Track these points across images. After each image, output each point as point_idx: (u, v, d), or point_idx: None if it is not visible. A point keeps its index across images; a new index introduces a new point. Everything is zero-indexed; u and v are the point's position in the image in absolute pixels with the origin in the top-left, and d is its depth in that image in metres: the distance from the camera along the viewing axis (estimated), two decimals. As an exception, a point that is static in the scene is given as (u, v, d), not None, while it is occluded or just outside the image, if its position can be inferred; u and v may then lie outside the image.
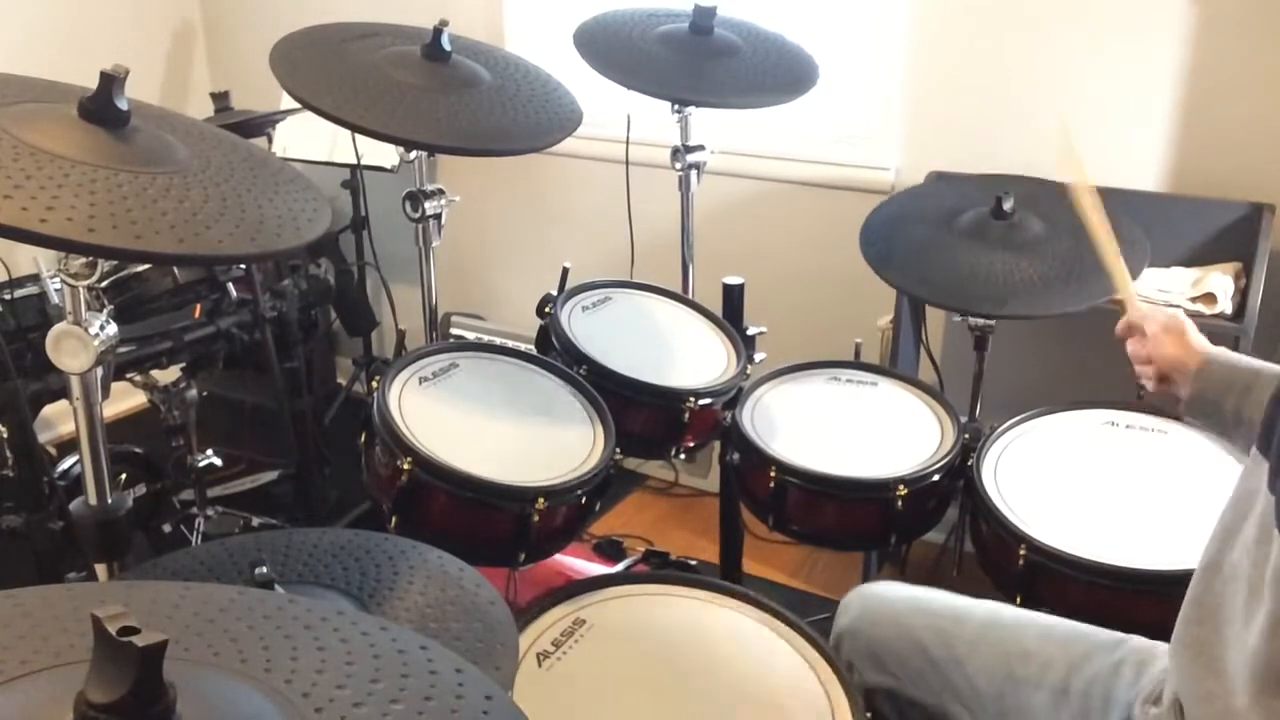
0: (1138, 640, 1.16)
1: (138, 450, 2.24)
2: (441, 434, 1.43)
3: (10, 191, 0.92)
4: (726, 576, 2.04)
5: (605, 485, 1.52)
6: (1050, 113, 2.27)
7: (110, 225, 0.93)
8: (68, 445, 2.21)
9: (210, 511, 2.34)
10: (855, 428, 1.74)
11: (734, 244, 2.63)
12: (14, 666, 0.61)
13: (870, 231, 1.81)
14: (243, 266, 2.24)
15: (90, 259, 1.08)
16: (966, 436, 1.66)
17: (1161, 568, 1.30)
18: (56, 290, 1.95)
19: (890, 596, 1.31)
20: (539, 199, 3.01)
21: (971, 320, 1.77)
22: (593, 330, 1.76)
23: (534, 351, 1.74)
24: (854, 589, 1.35)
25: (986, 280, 1.67)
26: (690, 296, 2.06)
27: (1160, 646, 1.11)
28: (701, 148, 2.08)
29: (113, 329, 1.12)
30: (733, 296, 1.97)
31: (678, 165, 2.08)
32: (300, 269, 2.53)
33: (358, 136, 2.31)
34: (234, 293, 2.27)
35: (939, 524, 1.68)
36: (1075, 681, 1.14)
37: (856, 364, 1.87)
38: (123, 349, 1.94)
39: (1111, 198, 1.70)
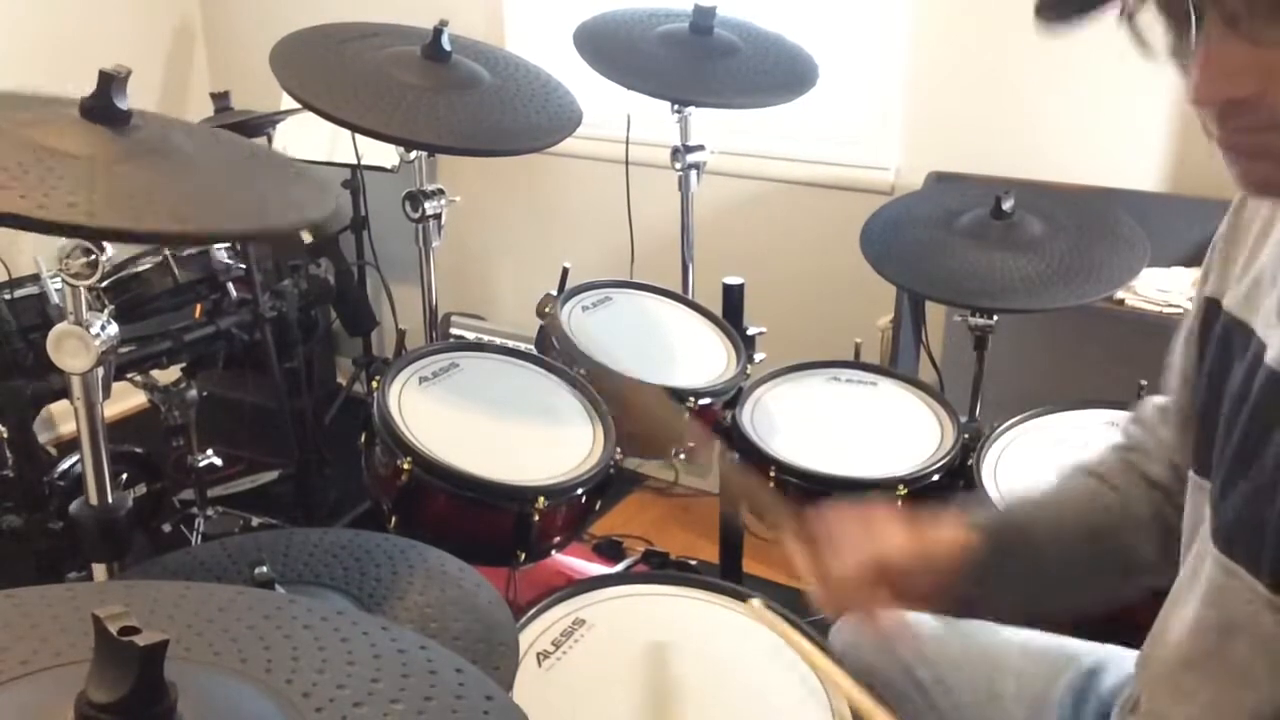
0: (1114, 647, 1.16)
1: (138, 450, 2.24)
2: (441, 434, 1.43)
3: (8, 182, 0.92)
4: (726, 576, 2.04)
5: (605, 485, 1.52)
6: (1052, 113, 2.27)
7: (110, 208, 0.93)
8: (68, 445, 2.21)
9: (210, 511, 2.34)
10: (855, 428, 1.74)
11: (734, 244, 2.63)
12: (14, 666, 0.61)
13: (870, 234, 1.81)
14: (242, 266, 2.24)
15: (91, 258, 1.08)
16: (966, 436, 1.66)
17: (1161, 568, 1.30)
18: (57, 290, 1.95)
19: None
20: (539, 199, 3.01)
21: (971, 320, 1.77)
22: (593, 330, 1.76)
23: (534, 351, 1.74)
24: (842, 617, 1.35)
25: (985, 277, 1.67)
26: (690, 296, 2.06)
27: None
28: (701, 148, 2.08)
29: (113, 329, 1.12)
30: (733, 296, 1.97)
31: (678, 165, 2.08)
32: (300, 269, 2.53)
33: (358, 136, 2.31)
34: (234, 293, 2.27)
35: (939, 524, 1.67)
36: (1052, 691, 1.14)
37: (856, 364, 1.87)
38: (123, 349, 1.93)
39: (1112, 198, 1.70)
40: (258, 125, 2.38)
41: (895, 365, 2.21)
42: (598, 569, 2.22)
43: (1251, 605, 0.78)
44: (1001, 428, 1.65)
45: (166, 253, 2.12)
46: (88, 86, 1.06)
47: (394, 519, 1.40)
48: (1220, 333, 0.86)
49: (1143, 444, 1.03)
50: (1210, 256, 0.90)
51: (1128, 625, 1.19)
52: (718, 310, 1.95)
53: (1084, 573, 1.01)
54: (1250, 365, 0.80)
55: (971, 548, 0.98)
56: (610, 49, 1.93)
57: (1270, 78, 0.64)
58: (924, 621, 1.28)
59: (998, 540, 0.99)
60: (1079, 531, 1.00)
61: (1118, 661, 1.14)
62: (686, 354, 1.83)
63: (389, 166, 2.76)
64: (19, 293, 2.04)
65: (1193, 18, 0.66)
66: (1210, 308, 0.88)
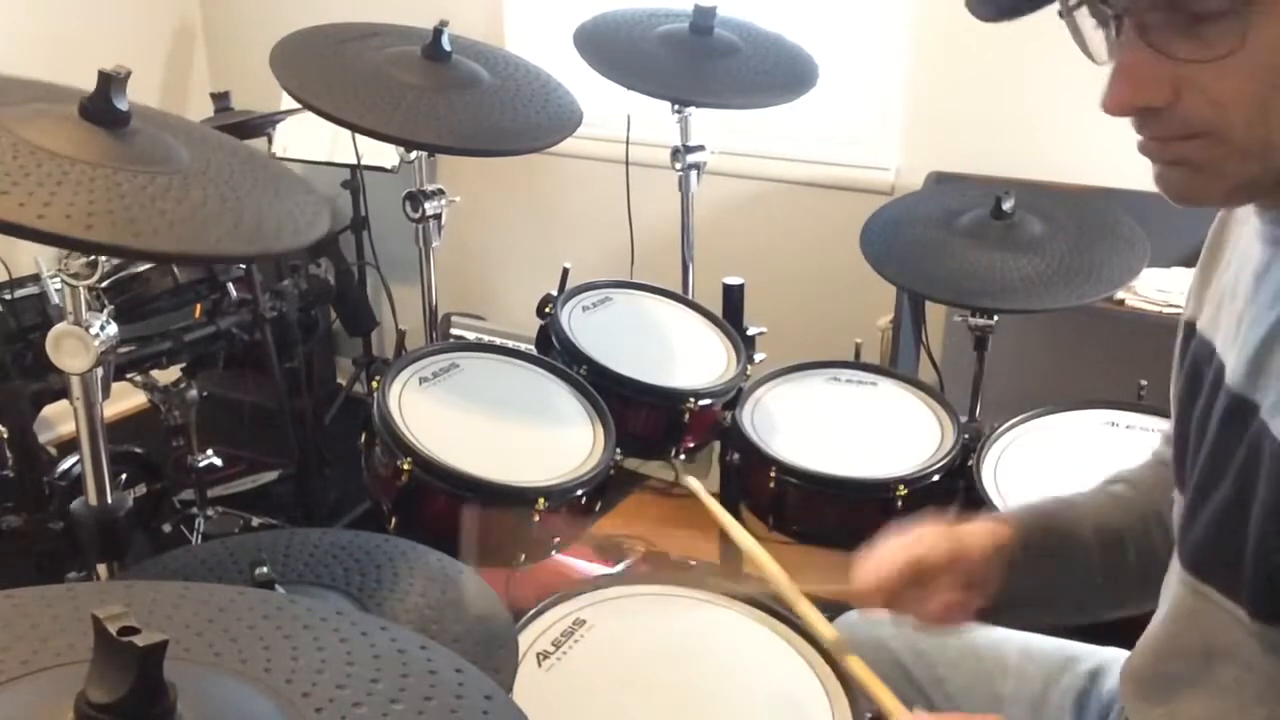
0: (1112, 650, 1.16)
1: (138, 450, 2.24)
2: (441, 434, 1.43)
3: (8, 187, 0.92)
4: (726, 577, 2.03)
5: (605, 485, 1.52)
6: (1052, 113, 2.27)
7: (109, 223, 0.93)
8: (68, 445, 2.21)
9: (210, 511, 2.34)
10: (855, 428, 1.74)
11: (734, 244, 2.63)
12: (14, 666, 0.61)
13: (870, 234, 1.81)
14: (242, 266, 2.24)
15: (90, 259, 1.08)
16: (966, 436, 1.66)
17: (1161, 568, 1.30)
18: (57, 290, 1.95)
19: (873, 619, 1.30)
20: (539, 199, 3.01)
21: (971, 320, 1.77)
22: (593, 330, 1.76)
23: (534, 351, 1.74)
24: (840, 616, 1.34)
25: (985, 277, 1.67)
26: (690, 296, 2.06)
27: None
28: (701, 148, 2.08)
29: (113, 329, 1.12)
30: (733, 296, 1.97)
31: (678, 165, 2.08)
32: (300, 269, 2.53)
33: (358, 136, 2.32)
34: (234, 293, 2.27)
35: (939, 524, 1.67)
36: (1052, 694, 1.14)
37: (856, 364, 1.87)
38: (123, 349, 1.94)
39: (1112, 198, 1.70)
40: (258, 125, 2.39)
41: (895, 365, 2.21)
42: (598, 569, 2.22)
43: (1233, 631, 0.77)
44: (1001, 428, 1.65)
45: (166, 253, 2.12)
46: (88, 86, 1.06)
47: (394, 519, 1.40)
48: (1192, 353, 0.86)
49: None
50: (1191, 283, 0.92)
51: (1127, 628, 1.19)
52: (718, 310, 1.95)
53: (1108, 574, 1.00)
54: (1213, 384, 0.80)
55: (1004, 540, 1.00)
56: (610, 49, 1.93)
57: (1181, 89, 0.66)
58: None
59: (1028, 535, 1.00)
60: (1104, 531, 1.00)
61: (1118, 665, 1.13)
62: (686, 354, 1.83)
63: (389, 166, 2.76)
64: (19, 293, 2.04)
65: (1112, 25, 0.68)
66: (1188, 331, 0.89)
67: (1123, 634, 1.15)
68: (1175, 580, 0.82)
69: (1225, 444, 0.77)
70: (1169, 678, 0.87)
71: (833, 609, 1.40)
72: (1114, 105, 0.69)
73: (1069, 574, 1.01)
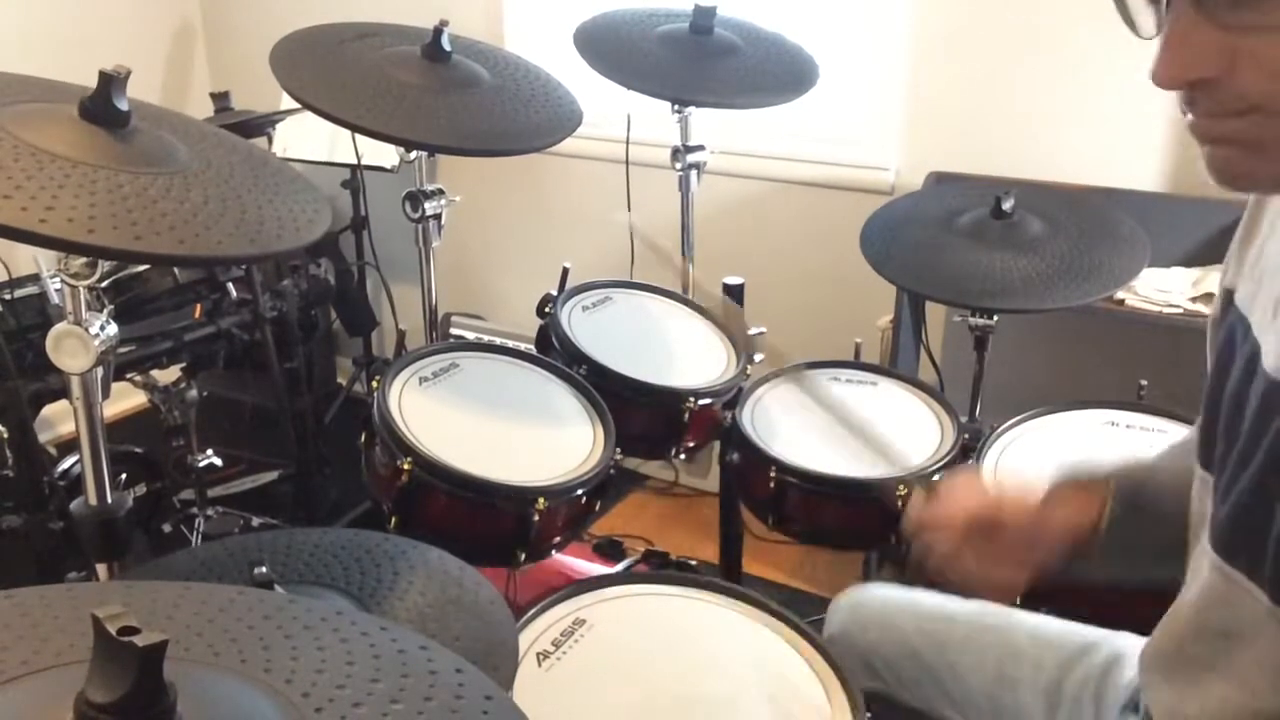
0: (1126, 637, 1.15)
1: (138, 450, 2.24)
2: (441, 434, 1.43)
3: (11, 192, 0.92)
4: (726, 576, 2.04)
5: (605, 485, 1.52)
6: (1052, 113, 2.27)
7: (111, 226, 0.93)
8: (68, 445, 2.21)
9: (210, 511, 2.34)
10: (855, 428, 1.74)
11: (734, 244, 2.63)
12: (14, 666, 0.61)
13: (870, 235, 1.81)
14: (243, 266, 2.24)
15: (91, 259, 1.07)
16: (966, 436, 1.66)
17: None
18: (56, 290, 1.95)
19: (880, 599, 1.29)
20: (539, 199, 3.01)
21: (971, 320, 1.77)
22: (593, 330, 1.76)
23: (534, 351, 1.74)
24: (843, 592, 1.33)
25: (985, 277, 1.67)
26: (690, 296, 2.06)
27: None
28: (701, 148, 2.08)
29: (113, 329, 1.12)
30: (733, 296, 1.97)
31: (678, 165, 2.08)
32: (300, 269, 2.53)
33: (358, 136, 2.32)
34: (234, 293, 2.27)
35: (939, 524, 1.67)
36: (1067, 683, 1.13)
37: (856, 364, 1.87)
38: (123, 349, 1.94)
39: (1112, 198, 1.70)
40: (258, 125, 2.38)
41: (895, 365, 2.21)
42: (598, 569, 2.22)
43: (1255, 614, 0.77)
44: (1001, 428, 1.65)
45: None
46: (87, 85, 1.06)
47: (394, 519, 1.40)
48: (1228, 325, 0.85)
49: None
50: (1231, 246, 0.90)
51: (1141, 613, 1.18)
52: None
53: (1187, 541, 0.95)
54: (1247, 364, 0.79)
55: (1093, 514, 0.98)
56: (610, 49, 1.93)
57: (1233, 61, 0.63)
58: (931, 600, 1.27)
59: (1117, 505, 0.98)
60: (1188, 498, 0.96)
61: (1135, 651, 1.12)
62: (686, 354, 1.83)
63: (389, 166, 2.76)
64: (19, 293, 2.04)
65: None
66: (1226, 298, 0.87)
67: (1138, 619, 1.14)
68: (1205, 561, 0.82)
69: (1258, 428, 0.76)
70: (1191, 660, 0.86)
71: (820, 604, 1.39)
72: (1163, 77, 0.65)
73: (1151, 541, 0.99)
